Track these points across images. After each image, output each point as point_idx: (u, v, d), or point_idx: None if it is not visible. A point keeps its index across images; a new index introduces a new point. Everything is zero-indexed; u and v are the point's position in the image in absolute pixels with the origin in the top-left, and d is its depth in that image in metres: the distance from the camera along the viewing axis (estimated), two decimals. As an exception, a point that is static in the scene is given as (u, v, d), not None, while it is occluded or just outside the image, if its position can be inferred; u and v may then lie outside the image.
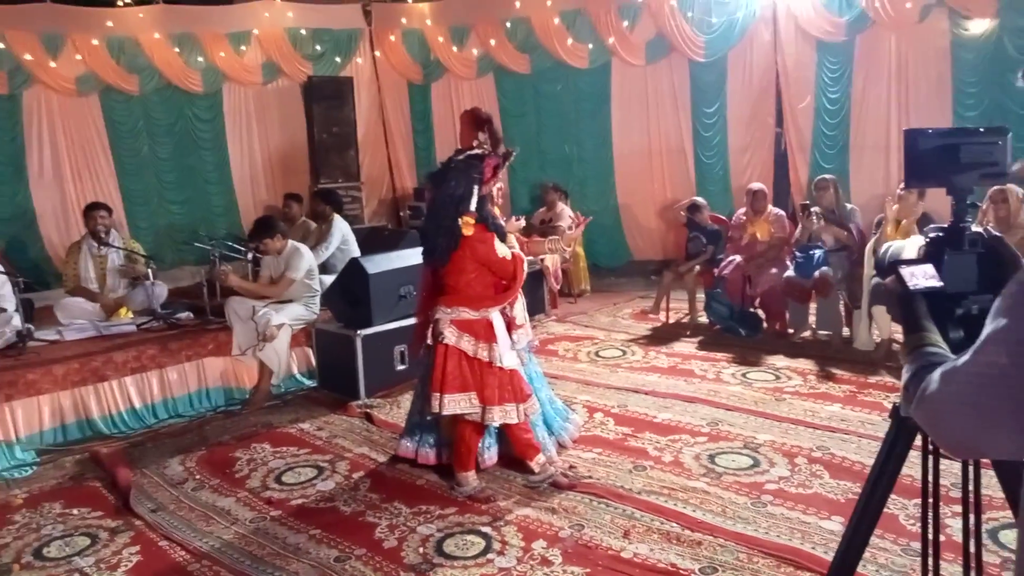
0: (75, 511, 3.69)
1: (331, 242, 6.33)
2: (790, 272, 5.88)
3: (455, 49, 9.30)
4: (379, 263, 5.24)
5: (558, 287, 7.42)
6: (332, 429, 4.62)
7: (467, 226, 3.43)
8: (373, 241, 7.10)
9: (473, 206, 3.47)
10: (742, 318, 6.11)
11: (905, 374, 1.22)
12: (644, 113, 8.69)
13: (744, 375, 5.19)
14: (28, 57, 7.69)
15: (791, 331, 6.04)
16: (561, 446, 4.02)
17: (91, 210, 5.72)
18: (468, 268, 3.52)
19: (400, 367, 5.22)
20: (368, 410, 4.85)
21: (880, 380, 4.94)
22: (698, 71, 8.31)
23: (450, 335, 3.49)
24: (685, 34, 8.14)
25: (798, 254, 5.89)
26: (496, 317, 3.61)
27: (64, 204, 8.10)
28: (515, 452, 3.74)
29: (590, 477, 3.74)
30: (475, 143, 3.64)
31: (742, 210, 6.47)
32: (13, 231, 7.84)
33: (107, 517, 3.61)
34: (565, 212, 7.75)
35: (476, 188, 3.48)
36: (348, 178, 9.17)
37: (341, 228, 6.50)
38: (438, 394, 3.48)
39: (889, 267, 1.48)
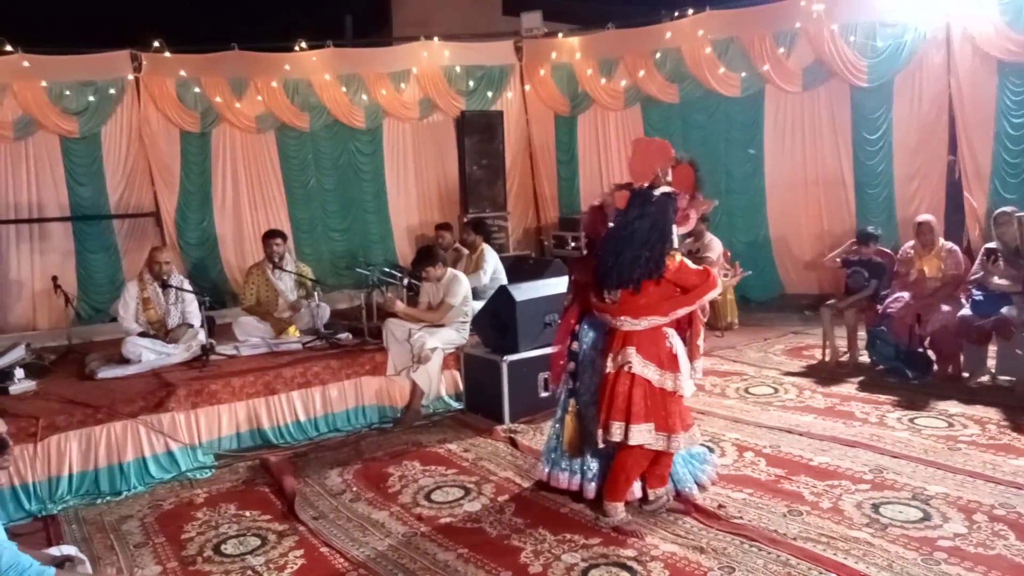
0: (247, 513, 4.00)
1: (487, 268, 6.59)
2: (965, 311, 5.43)
3: (603, 81, 9.40)
4: (526, 291, 5.35)
5: (704, 319, 7.22)
6: (478, 451, 4.73)
7: (672, 261, 3.48)
8: (518, 269, 7.28)
9: (676, 244, 3.55)
10: (909, 359, 5.67)
11: None
12: (800, 141, 8.39)
13: (911, 420, 4.82)
14: (218, 99, 8.57)
15: (966, 375, 5.54)
16: (701, 487, 3.90)
17: (267, 237, 6.26)
18: (657, 290, 3.52)
19: (544, 394, 5.27)
20: (512, 435, 4.93)
21: (1076, 434, 4.42)
22: (860, 97, 7.92)
23: (637, 363, 3.47)
24: (846, 59, 7.79)
25: (975, 292, 5.43)
26: (679, 346, 3.58)
27: (241, 231, 8.90)
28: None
29: (740, 518, 3.60)
30: (657, 178, 3.64)
31: (909, 243, 6.04)
32: (199, 255, 8.71)
33: (275, 521, 3.89)
34: (714, 242, 7.57)
35: (674, 226, 3.54)
36: (495, 208, 9.46)
37: (493, 256, 6.75)
38: (622, 423, 3.46)
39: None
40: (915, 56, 7.52)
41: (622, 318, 3.53)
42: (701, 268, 3.60)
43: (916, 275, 5.83)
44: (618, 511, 3.60)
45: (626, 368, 3.47)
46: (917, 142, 7.69)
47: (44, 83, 7.85)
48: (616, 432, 3.46)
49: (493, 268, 6.76)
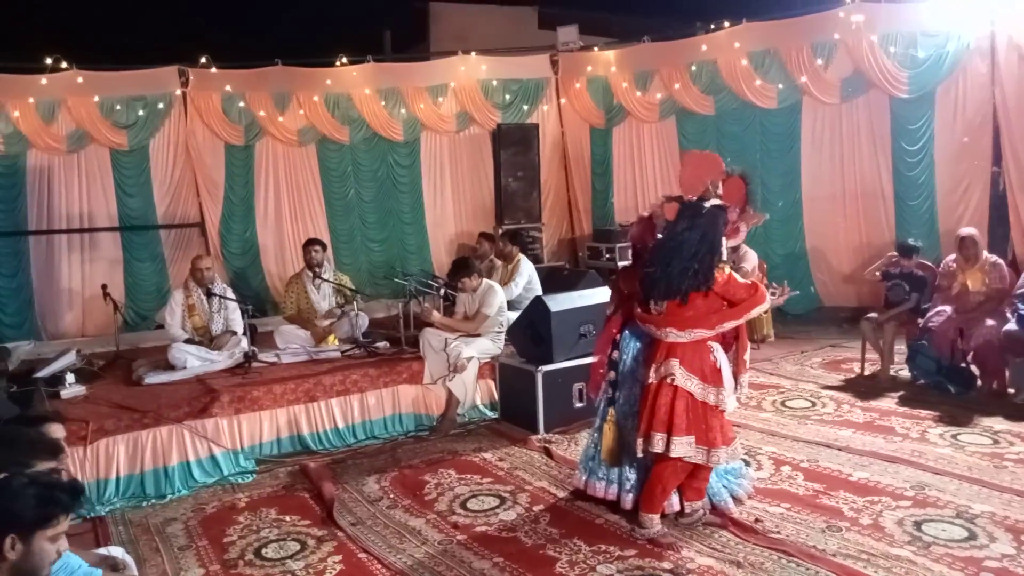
0: (287, 518, 4.09)
1: (519, 279, 6.64)
2: (1011, 325, 5.31)
3: (638, 93, 9.41)
4: (561, 302, 5.38)
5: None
6: (513, 461, 4.76)
7: (721, 273, 3.49)
8: (553, 280, 7.30)
9: (725, 256, 3.56)
10: (951, 374, 5.57)
11: None
12: (837, 153, 8.28)
13: (954, 436, 4.73)
14: (262, 113, 8.77)
15: (1012, 391, 5.42)
16: (737, 500, 3.88)
17: (307, 245, 6.44)
18: (704, 303, 3.52)
19: (579, 404, 5.29)
20: (547, 445, 4.95)
21: None
22: (900, 108, 7.80)
23: (680, 376, 3.47)
24: (886, 70, 7.70)
25: (1020, 306, 5.31)
26: (723, 360, 3.58)
27: (282, 241, 9.07)
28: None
29: (778, 532, 3.57)
30: (707, 191, 3.65)
31: (951, 257, 5.94)
32: (241, 264, 8.89)
33: (314, 526, 3.97)
34: (749, 254, 7.50)
35: (724, 238, 3.55)
36: (530, 219, 9.52)
37: (529, 267, 6.81)
38: (663, 434, 3.46)
39: None
40: (958, 66, 7.39)
41: (667, 329, 3.53)
42: (749, 282, 3.59)
43: (959, 289, 5.73)
44: (654, 523, 3.60)
45: (669, 380, 3.47)
46: (960, 153, 7.55)
47: (96, 98, 8.12)
48: (657, 443, 3.47)
49: (527, 279, 6.79)
